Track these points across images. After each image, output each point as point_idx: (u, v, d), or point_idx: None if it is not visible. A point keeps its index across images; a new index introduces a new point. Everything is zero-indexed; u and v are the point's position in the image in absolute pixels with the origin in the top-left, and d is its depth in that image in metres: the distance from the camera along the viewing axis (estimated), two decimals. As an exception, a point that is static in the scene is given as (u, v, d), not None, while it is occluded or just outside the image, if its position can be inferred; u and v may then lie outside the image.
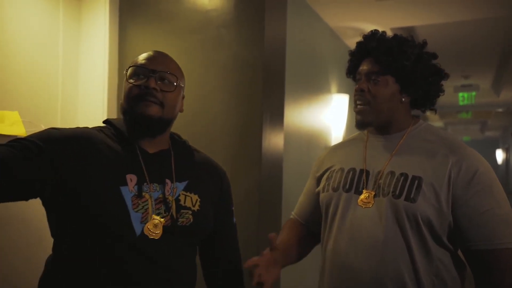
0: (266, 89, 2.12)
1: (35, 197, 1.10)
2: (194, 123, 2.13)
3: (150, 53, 1.24)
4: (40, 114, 2.05)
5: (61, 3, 2.16)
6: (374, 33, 1.46)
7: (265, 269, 1.27)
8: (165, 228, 1.15)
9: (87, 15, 2.28)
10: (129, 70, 1.20)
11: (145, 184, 1.16)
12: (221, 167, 1.39)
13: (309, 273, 1.63)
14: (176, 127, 1.34)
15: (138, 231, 1.12)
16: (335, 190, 1.46)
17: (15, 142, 1.07)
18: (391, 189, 1.34)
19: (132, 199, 1.13)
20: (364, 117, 1.42)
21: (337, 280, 1.40)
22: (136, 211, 1.12)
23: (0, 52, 1.87)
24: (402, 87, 1.40)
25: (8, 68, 1.90)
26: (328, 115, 3.95)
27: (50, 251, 1.23)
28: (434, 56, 1.44)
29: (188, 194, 1.23)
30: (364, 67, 1.43)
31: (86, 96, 2.27)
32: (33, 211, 1.93)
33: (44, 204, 1.16)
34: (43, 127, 1.99)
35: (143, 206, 1.14)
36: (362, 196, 1.39)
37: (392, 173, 1.37)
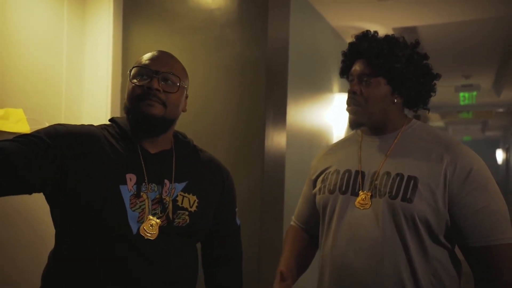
0: (269, 88, 2.14)
1: (39, 192, 1.11)
2: (197, 122, 2.14)
3: (155, 53, 1.24)
4: (44, 112, 2.06)
5: (66, 2, 2.18)
6: (366, 34, 1.46)
7: None
8: (161, 228, 1.16)
9: (91, 14, 2.30)
10: (133, 71, 1.21)
11: (143, 184, 1.17)
12: (225, 167, 1.40)
13: (307, 273, 1.63)
14: (179, 126, 1.35)
15: (134, 229, 1.13)
16: (331, 192, 1.46)
17: (23, 138, 1.08)
18: (388, 190, 1.35)
19: (130, 198, 1.14)
20: (357, 117, 1.43)
21: (336, 281, 1.40)
22: (133, 210, 1.14)
23: (5, 50, 1.88)
24: (394, 88, 1.41)
25: (13, 66, 1.91)
26: (330, 114, 3.96)
27: (52, 247, 1.24)
28: (426, 56, 1.45)
29: (186, 195, 1.24)
30: (356, 69, 1.44)
31: (89, 94, 2.28)
32: (37, 206, 1.95)
33: (47, 199, 1.18)
34: (47, 124, 1.99)
35: (140, 206, 1.15)
36: (359, 198, 1.39)
37: (388, 173, 1.37)
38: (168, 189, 1.21)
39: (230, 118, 2.15)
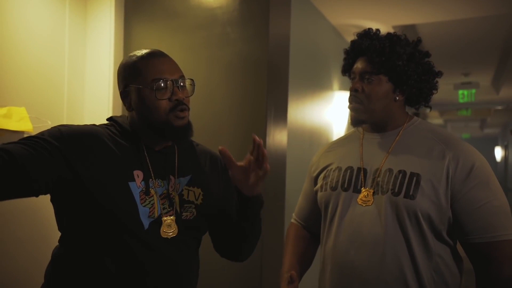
0: (270, 85, 2.15)
1: (45, 194, 1.12)
2: (198, 119, 2.14)
3: (159, 59, 1.22)
4: (46, 110, 2.07)
5: (68, 1, 2.18)
6: (368, 32, 1.47)
7: None
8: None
9: (93, 12, 2.30)
10: (154, 85, 1.18)
11: (150, 180, 1.19)
12: (218, 155, 1.39)
13: (309, 270, 1.65)
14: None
15: (146, 225, 1.15)
16: (333, 189, 1.47)
17: (28, 140, 1.09)
18: (390, 187, 1.36)
19: (140, 194, 1.16)
20: (359, 115, 1.44)
21: (338, 278, 1.41)
22: (144, 206, 1.16)
23: (7, 49, 1.89)
24: (396, 86, 1.42)
25: (15, 65, 1.92)
26: (330, 112, 3.98)
27: (53, 246, 1.25)
28: (427, 54, 1.46)
29: (191, 188, 1.26)
30: (358, 66, 1.45)
31: (91, 92, 2.29)
32: (39, 203, 1.96)
33: (53, 199, 1.19)
34: (49, 123, 2.01)
35: (149, 201, 1.17)
36: (361, 195, 1.40)
37: (390, 170, 1.38)
38: (173, 184, 1.24)
39: (231, 116, 2.17)
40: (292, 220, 1.69)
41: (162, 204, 1.20)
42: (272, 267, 2.16)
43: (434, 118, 11.11)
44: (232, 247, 1.38)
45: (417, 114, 1.52)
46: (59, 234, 1.24)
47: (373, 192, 1.39)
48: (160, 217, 1.18)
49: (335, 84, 4.10)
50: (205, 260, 1.35)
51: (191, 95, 1.25)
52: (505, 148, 14.29)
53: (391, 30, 1.56)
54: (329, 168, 1.53)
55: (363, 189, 1.41)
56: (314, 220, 1.59)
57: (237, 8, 2.16)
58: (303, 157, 3.30)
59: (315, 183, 1.57)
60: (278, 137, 2.25)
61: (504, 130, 14.17)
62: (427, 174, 1.34)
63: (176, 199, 1.23)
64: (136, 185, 1.17)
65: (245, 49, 2.14)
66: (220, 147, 1.17)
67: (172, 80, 1.19)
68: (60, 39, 2.15)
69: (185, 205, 1.23)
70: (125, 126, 1.24)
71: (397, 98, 1.43)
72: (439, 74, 1.47)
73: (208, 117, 2.17)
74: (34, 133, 1.86)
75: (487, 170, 1.36)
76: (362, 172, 1.43)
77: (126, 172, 1.17)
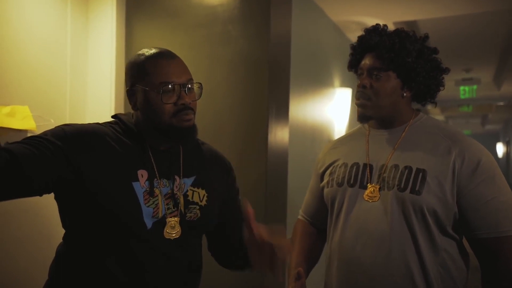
0: (272, 83, 2.15)
1: (49, 193, 1.12)
2: (200, 118, 2.14)
3: (167, 61, 1.20)
4: (49, 109, 2.07)
5: (69, 0, 2.19)
6: (376, 27, 1.46)
7: None
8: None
9: (95, 11, 2.31)
10: (161, 89, 1.16)
11: (155, 179, 1.19)
12: (227, 159, 1.41)
13: (316, 266, 1.66)
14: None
15: (149, 225, 1.15)
16: (339, 185, 1.47)
17: (31, 140, 1.08)
18: (396, 182, 1.36)
19: (143, 194, 1.16)
20: (366, 111, 1.43)
21: (345, 273, 1.42)
22: (148, 206, 1.16)
23: (9, 48, 1.89)
24: (404, 82, 1.41)
25: (17, 64, 1.93)
26: (331, 109, 3.98)
27: (54, 245, 1.26)
28: (435, 50, 1.45)
29: (195, 189, 1.26)
30: (366, 62, 1.44)
31: (93, 91, 2.30)
32: (41, 202, 1.96)
33: (57, 198, 1.19)
34: (52, 121, 2.02)
35: (153, 202, 1.17)
36: (367, 191, 1.41)
37: (396, 166, 1.39)
38: (178, 184, 1.23)
39: (233, 114, 2.17)
40: (299, 217, 1.70)
41: (167, 204, 1.19)
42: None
43: (435, 115, 11.09)
44: (222, 256, 1.41)
45: (418, 110, 1.52)
46: (60, 233, 1.24)
47: (379, 188, 1.39)
48: (164, 217, 1.18)
49: (336, 81, 4.11)
50: (205, 260, 1.35)
51: (198, 99, 1.23)
52: (507, 144, 14.28)
53: (392, 27, 1.55)
54: (335, 164, 1.53)
55: (369, 185, 1.41)
56: (321, 216, 1.59)
57: (238, 6, 2.17)
58: (304, 155, 3.31)
59: (322, 179, 1.58)
60: (279, 135, 2.26)
61: (505, 126, 14.16)
62: (433, 170, 1.34)
63: (181, 199, 1.22)
64: (140, 185, 1.16)
65: (246, 47, 2.15)
66: (245, 204, 1.11)
67: (179, 84, 1.18)
68: (62, 38, 2.15)
69: (190, 206, 1.23)
70: (130, 124, 1.23)
71: (405, 94, 1.43)
72: (446, 70, 1.46)
73: (209, 115, 2.18)
74: (37, 131, 1.88)
75: (493, 165, 1.36)
76: (368, 168, 1.44)
77: (129, 171, 1.17)
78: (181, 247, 1.20)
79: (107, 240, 1.14)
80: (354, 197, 1.43)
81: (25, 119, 1.92)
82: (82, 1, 2.28)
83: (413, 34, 1.44)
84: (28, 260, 1.97)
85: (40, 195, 1.10)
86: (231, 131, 2.17)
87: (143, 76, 1.19)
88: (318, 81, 3.72)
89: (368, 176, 1.43)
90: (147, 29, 2.34)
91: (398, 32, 1.43)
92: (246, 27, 2.15)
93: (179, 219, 1.20)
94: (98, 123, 1.24)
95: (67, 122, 2.04)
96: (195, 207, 1.24)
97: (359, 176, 1.44)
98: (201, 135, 1.46)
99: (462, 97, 7.71)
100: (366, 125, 1.55)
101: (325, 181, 1.55)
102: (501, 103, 9.65)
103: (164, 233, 1.17)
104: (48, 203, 1.20)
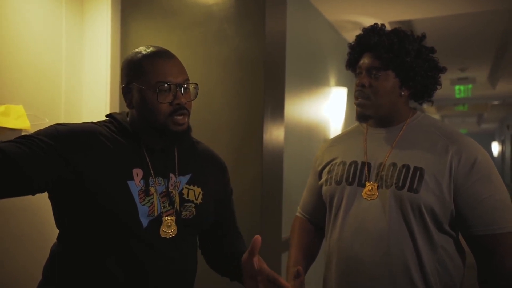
0: (267, 82, 2.15)
1: (42, 192, 1.11)
2: (195, 117, 2.14)
3: (165, 60, 1.20)
4: (44, 108, 2.07)
5: (64, -2, 2.19)
6: (374, 27, 1.47)
7: None
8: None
9: (90, 10, 2.30)
10: (157, 88, 1.16)
11: (150, 178, 1.19)
12: (221, 158, 1.42)
13: (315, 263, 1.66)
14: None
15: (144, 224, 1.15)
16: (338, 183, 1.48)
17: (23, 139, 1.08)
18: (394, 181, 1.37)
19: (139, 193, 1.16)
20: (365, 110, 1.44)
21: (344, 271, 1.43)
22: (143, 205, 1.15)
23: (4, 47, 1.89)
24: (402, 82, 1.43)
25: (12, 63, 1.92)
26: (327, 108, 3.99)
27: (52, 241, 1.25)
28: (432, 50, 1.47)
29: (191, 187, 1.26)
30: (365, 62, 1.45)
31: (89, 89, 2.29)
32: (37, 201, 1.96)
33: (50, 197, 1.18)
34: (47, 120, 2.01)
35: (149, 200, 1.17)
36: (366, 189, 1.42)
37: (394, 164, 1.40)
38: (173, 182, 1.23)
39: (228, 113, 2.17)
40: (297, 214, 1.71)
41: (162, 202, 1.19)
42: (270, 264, 2.17)
43: (431, 114, 11.13)
44: (212, 257, 1.41)
45: (415, 109, 1.54)
46: (57, 231, 1.24)
47: (378, 186, 1.41)
48: (160, 215, 1.18)
49: (332, 80, 4.11)
50: (203, 259, 1.36)
51: (193, 99, 1.23)
52: (502, 143, 14.35)
53: (388, 26, 1.56)
54: (334, 162, 1.54)
55: (367, 183, 1.43)
56: (319, 214, 1.61)
57: (234, 5, 2.17)
58: (300, 154, 3.31)
59: (320, 177, 1.59)
60: (275, 134, 2.26)
61: (501, 125, 14.22)
62: (430, 168, 1.35)
63: (176, 197, 1.22)
64: (135, 183, 1.16)
65: (242, 45, 2.15)
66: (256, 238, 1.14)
67: (175, 84, 1.18)
68: (57, 37, 2.15)
69: (185, 204, 1.23)
70: (124, 123, 1.23)
71: (403, 93, 1.44)
72: (444, 70, 1.48)
73: (205, 114, 2.18)
74: (32, 130, 1.87)
75: (490, 164, 1.38)
76: (366, 166, 1.45)
77: (124, 170, 1.16)
78: (177, 246, 1.20)
79: (106, 240, 1.14)
80: (352, 195, 1.44)
81: (19, 118, 1.92)
82: (77, 0, 2.27)
83: (411, 34, 1.45)
84: (27, 258, 1.97)
85: (33, 194, 1.09)
86: (226, 130, 2.17)
87: (139, 74, 1.19)
88: (314, 80, 3.72)
89: (367, 174, 1.44)
90: (142, 27, 2.34)
91: (397, 31, 1.44)
92: (241, 26, 2.15)
93: (175, 218, 1.20)
94: (92, 122, 1.23)
95: (62, 121, 2.03)
96: (190, 205, 1.24)
97: (357, 174, 1.45)
98: (197, 134, 1.46)
99: (457, 96, 7.74)
100: (364, 124, 1.56)
101: (323, 179, 1.56)
102: (496, 102, 9.69)
103: (160, 232, 1.17)
104: (46, 201, 1.20)
